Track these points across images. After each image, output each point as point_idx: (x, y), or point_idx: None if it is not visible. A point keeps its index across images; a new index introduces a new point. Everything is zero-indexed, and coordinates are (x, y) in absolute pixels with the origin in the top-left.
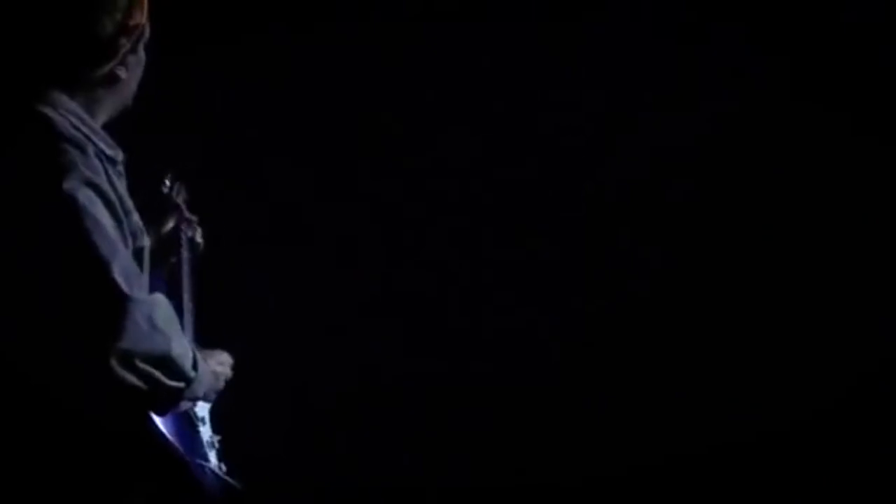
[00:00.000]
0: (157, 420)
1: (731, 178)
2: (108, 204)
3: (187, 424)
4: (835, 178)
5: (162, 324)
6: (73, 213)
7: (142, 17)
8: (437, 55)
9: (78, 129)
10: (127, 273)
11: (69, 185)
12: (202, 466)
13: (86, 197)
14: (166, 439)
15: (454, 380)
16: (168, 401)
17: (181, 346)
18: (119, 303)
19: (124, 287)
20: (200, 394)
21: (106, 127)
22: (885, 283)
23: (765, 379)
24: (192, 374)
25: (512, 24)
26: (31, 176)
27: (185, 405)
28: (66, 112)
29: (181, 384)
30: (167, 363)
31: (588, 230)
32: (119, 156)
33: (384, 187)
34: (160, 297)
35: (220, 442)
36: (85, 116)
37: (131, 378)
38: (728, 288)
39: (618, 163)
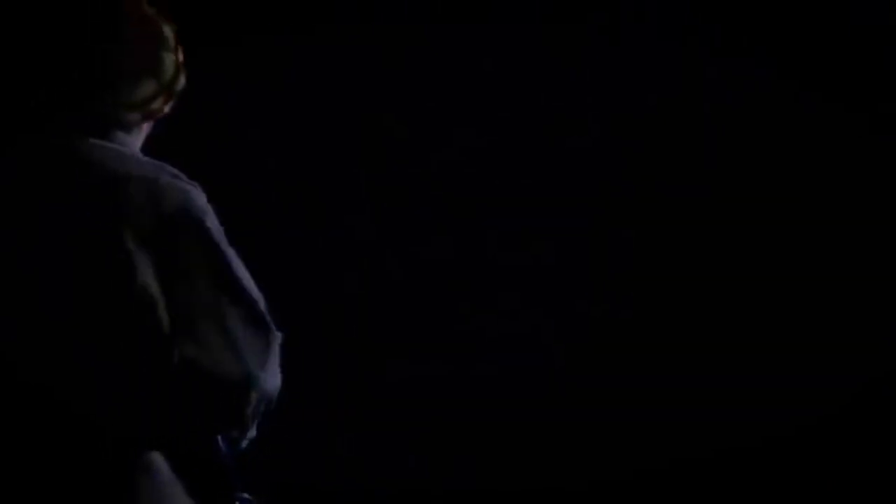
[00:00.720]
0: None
1: (731, 178)
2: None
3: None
4: (836, 180)
5: (279, 362)
6: (222, 250)
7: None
8: (440, 57)
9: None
10: (265, 306)
11: (211, 223)
12: (247, 500)
13: (220, 232)
14: (228, 468)
15: (459, 382)
16: (243, 433)
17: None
18: (270, 338)
19: (270, 321)
20: (254, 433)
21: None
22: (889, 286)
23: (770, 383)
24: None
25: (515, 26)
26: (167, 213)
27: (244, 441)
28: (135, 149)
29: (256, 421)
30: (270, 401)
31: (592, 232)
32: None
33: (387, 189)
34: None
35: None
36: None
37: (248, 409)
38: (732, 289)
39: (621, 164)
